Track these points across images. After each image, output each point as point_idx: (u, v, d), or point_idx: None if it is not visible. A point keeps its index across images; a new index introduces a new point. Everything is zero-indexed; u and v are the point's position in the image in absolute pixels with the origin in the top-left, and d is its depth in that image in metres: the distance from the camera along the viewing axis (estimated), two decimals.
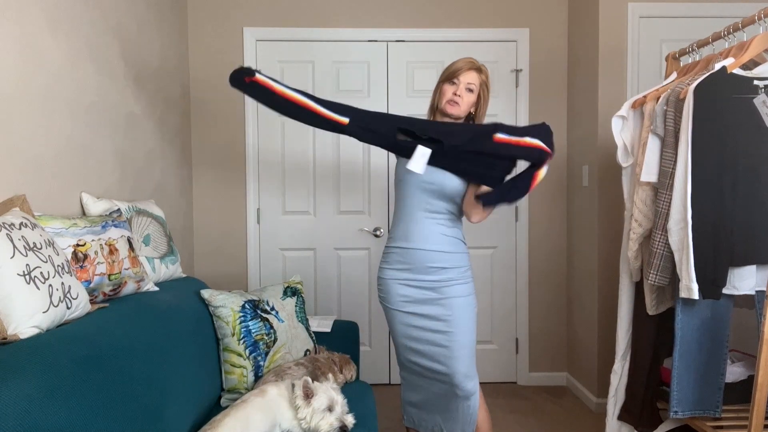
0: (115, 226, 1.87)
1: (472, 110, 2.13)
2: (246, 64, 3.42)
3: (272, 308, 2.26)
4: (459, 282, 2.07)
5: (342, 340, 2.52)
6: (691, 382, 2.11)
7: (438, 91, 2.13)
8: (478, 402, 2.09)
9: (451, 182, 2.04)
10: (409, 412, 2.24)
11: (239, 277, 3.51)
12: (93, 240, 1.71)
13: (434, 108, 2.17)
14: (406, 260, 2.08)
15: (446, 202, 2.07)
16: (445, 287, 2.05)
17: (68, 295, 1.44)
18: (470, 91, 2.07)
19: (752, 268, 2.03)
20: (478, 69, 2.09)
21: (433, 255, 2.05)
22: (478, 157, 1.97)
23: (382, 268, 2.16)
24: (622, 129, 2.37)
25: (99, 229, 1.78)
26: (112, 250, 1.78)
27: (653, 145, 2.16)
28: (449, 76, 2.08)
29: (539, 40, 3.53)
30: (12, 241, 1.32)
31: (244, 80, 1.98)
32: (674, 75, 2.42)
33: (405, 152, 2.02)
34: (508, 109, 3.54)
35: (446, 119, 2.11)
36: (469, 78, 2.06)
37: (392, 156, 2.22)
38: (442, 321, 2.04)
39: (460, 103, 2.05)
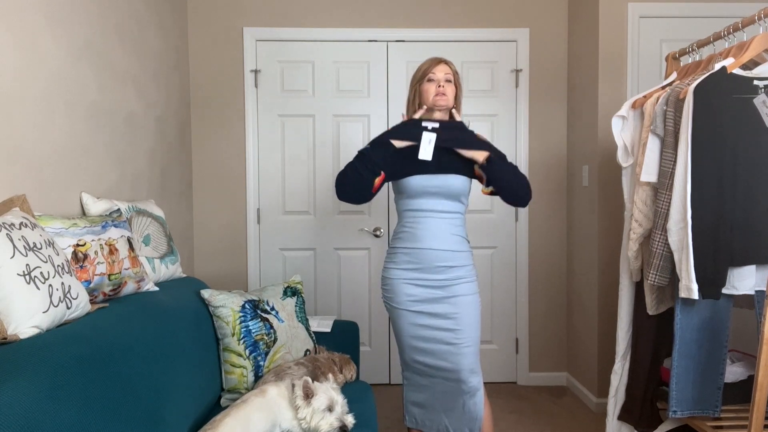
0: (115, 226, 1.87)
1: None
2: (250, 68, 3.42)
3: (272, 308, 2.26)
4: (466, 280, 2.11)
5: (342, 340, 2.52)
6: (691, 382, 2.11)
7: (417, 94, 2.16)
8: (483, 399, 2.10)
9: (455, 182, 2.10)
10: (412, 412, 2.25)
11: (239, 277, 3.51)
12: (93, 240, 1.71)
13: (414, 111, 2.18)
14: (415, 260, 2.10)
15: (453, 202, 2.12)
16: (453, 285, 2.09)
17: (68, 295, 1.45)
18: (449, 81, 2.13)
19: (752, 267, 2.03)
20: (446, 62, 2.16)
21: (442, 254, 2.08)
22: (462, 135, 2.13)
23: (389, 268, 2.16)
24: (622, 129, 2.37)
25: (99, 229, 1.78)
26: (112, 250, 1.78)
27: (653, 145, 2.16)
28: (424, 74, 2.14)
29: (539, 40, 3.53)
30: (12, 241, 1.32)
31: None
32: (674, 75, 2.42)
33: (412, 138, 2.09)
34: (508, 109, 3.55)
35: (436, 114, 2.15)
36: (444, 70, 2.13)
37: None
38: (449, 319, 2.07)
39: (446, 93, 2.11)
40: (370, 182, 2.05)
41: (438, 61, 2.15)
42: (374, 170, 2.04)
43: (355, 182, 2.05)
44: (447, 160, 2.09)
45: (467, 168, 2.12)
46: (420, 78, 2.15)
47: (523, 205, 2.13)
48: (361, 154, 2.06)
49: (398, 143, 2.07)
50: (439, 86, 2.11)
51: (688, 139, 1.98)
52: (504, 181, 2.07)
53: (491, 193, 2.13)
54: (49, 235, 1.52)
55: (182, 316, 1.94)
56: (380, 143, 2.08)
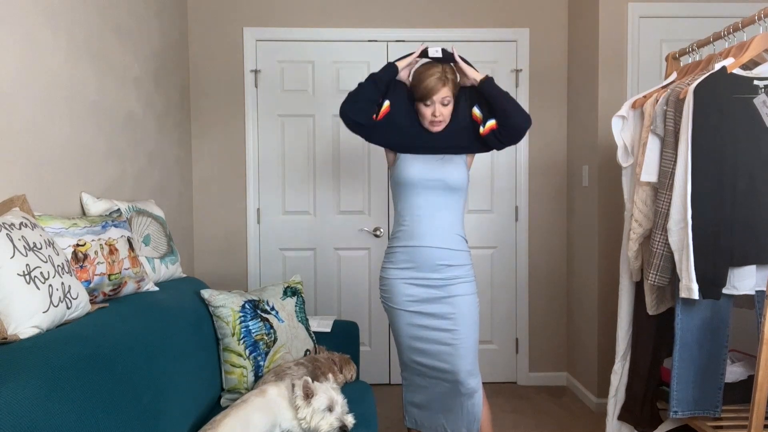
0: (115, 226, 1.87)
1: None
2: (250, 68, 3.43)
3: (272, 308, 2.26)
4: (464, 280, 2.10)
5: (342, 340, 2.52)
6: (691, 382, 2.11)
7: (415, 106, 2.12)
8: (482, 400, 2.10)
9: (452, 175, 2.10)
10: (411, 413, 2.24)
11: (239, 277, 3.51)
12: (93, 240, 1.71)
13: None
14: (413, 259, 2.09)
15: (451, 198, 2.11)
16: (451, 285, 2.08)
17: (68, 295, 1.45)
18: (445, 104, 2.06)
19: (752, 268, 2.03)
20: (445, 80, 2.04)
21: (441, 252, 2.07)
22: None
23: (386, 268, 2.16)
24: (622, 129, 2.37)
25: (99, 229, 1.78)
26: (112, 250, 1.78)
27: (653, 145, 2.16)
28: (422, 97, 2.05)
29: (539, 40, 3.53)
30: (12, 241, 1.32)
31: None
32: (674, 75, 2.42)
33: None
34: None
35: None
36: (442, 94, 2.04)
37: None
38: (447, 319, 2.06)
39: (441, 120, 2.07)
40: (373, 97, 2.07)
41: (441, 85, 2.02)
42: (378, 84, 2.07)
43: (358, 96, 2.06)
44: (447, 137, 2.11)
45: (465, 138, 2.12)
46: (419, 98, 2.06)
47: (525, 129, 2.07)
48: (371, 78, 2.10)
49: (401, 63, 2.12)
50: (434, 114, 2.05)
51: (688, 139, 1.98)
52: (503, 102, 2.05)
53: (491, 133, 2.08)
54: (49, 235, 1.52)
55: (182, 316, 1.94)
56: (385, 66, 2.13)
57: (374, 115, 2.08)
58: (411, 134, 2.12)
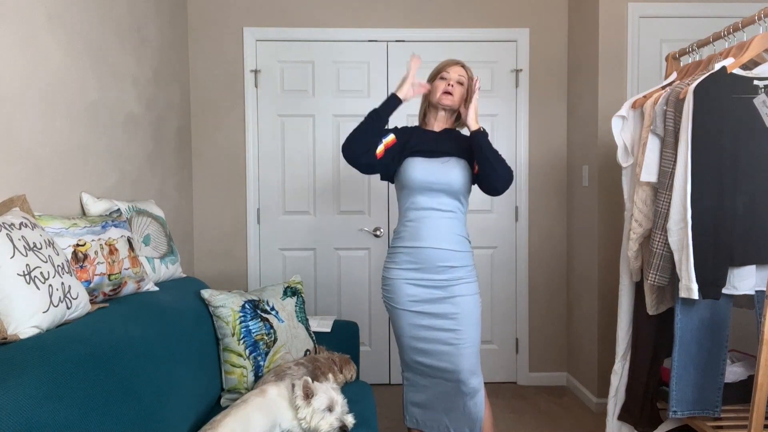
0: (115, 226, 1.87)
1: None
2: (250, 68, 3.43)
3: (272, 308, 2.26)
4: (466, 280, 2.11)
5: (342, 340, 2.52)
6: (691, 382, 2.11)
7: (429, 91, 2.24)
8: (483, 400, 2.10)
9: (456, 178, 2.11)
10: (412, 412, 2.24)
11: (239, 277, 3.51)
12: (93, 240, 1.71)
13: (425, 109, 2.29)
14: (417, 260, 2.10)
15: (454, 200, 2.13)
16: (454, 286, 2.09)
17: (68, 295, 1.45)
18: (460, 84, 2.19)
19: (752, 267, 2.03)
20: (463, 65, 2.23)
21: (444, 254, 2.09)
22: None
23: (389, 268, 2.16)
24: (622, 129, 2.37)
25: (99, 229, 1.78)
26: (112, 250, 1.78)
27: (653, 145, 2.16)
28: (438, 71, 2.22)
29: (539, 40, 3.53)
30: (12, 241, 1.32)
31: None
32: (674, 75, 2.42)
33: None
34: (508, 109, 3.55)
35: (441, 113, 2.23)
36: (458, 71, 2.19)
37: None
38: (450, 319, 2.07)
39: (453, 93, 2.17)
40: (374, 127, 2.09)
41: (455, 62, 2.21)
42: (380, 115, 2.09)
43: (360, 135, 2.08)
44: (450, 143, 2.18)
45: (465, 153, 2.17)
46: (434, 75, 2.23)
47: (498, 193, 2.13)
48: (372, 112, 2.11)
49: (401, 89, 2.11)
50: (449, 85, 2.16)
51: (688, 139, 1.98)
52: (488, 158, 2.07)
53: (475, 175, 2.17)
54: (49, 235, 1.52)
55: (182, 316, 1.94)
56: (387, 98, 2.13)
57: (376, 151, 2.11)
58: (416, 141, 2.17)
